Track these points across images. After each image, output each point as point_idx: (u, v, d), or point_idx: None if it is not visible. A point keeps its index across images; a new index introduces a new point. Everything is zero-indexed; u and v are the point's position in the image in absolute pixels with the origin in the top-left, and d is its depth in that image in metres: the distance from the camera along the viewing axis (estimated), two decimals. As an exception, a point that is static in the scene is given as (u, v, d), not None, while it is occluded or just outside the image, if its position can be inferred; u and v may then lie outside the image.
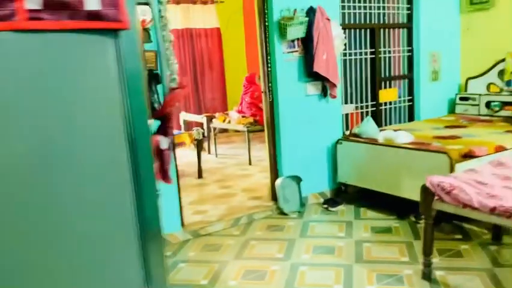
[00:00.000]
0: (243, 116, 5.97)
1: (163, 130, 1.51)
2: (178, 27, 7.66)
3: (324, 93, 4.07)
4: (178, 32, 7.68)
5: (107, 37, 1.18)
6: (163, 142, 1.45)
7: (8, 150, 1.12)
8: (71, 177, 1.20)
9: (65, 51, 1.16)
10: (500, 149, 3.39)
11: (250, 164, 5.74)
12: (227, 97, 8.25)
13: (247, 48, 8.09)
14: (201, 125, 6.54)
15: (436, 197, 2.49)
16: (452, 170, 3.09)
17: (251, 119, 5.80)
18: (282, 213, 3.92)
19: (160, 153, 1.49)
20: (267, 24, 3.77)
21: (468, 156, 3.22)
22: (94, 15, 1.17)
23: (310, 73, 3.88)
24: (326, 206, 4.00)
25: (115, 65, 1.17)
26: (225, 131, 7.34)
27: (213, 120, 6.39)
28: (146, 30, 3.09)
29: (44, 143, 1.16)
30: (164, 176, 1.56)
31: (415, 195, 2.71)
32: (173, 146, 1.52)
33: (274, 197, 4.06)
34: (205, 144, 6.00)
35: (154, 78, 3.27)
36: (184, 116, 6.84)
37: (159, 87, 3.30)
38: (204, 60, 8.02)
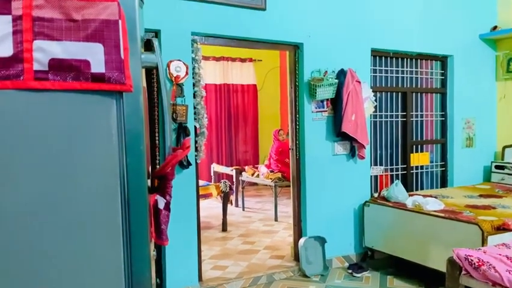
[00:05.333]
0: (271, 171, 5.98)
1: (162, 190, 1.51)
2: (216, 83, 8.00)
3: (352, 153, 4.04)
4: (216, 87, 8.00)
5: (110, 98, 1.24)
6: (160, 202, 1.46)
7: (5, 199, 1.18)
8: (59, 230, 1.22)
9: (68, 109, 1.23)
10: (538, 223, 3.18)
11: (276, 219, 5.66)
12: (259, 151, 8.36)
13: (282, 105, 8.28)
14: (230, 177, 6.60)
15: (464, 272, 2.34)
16: (484, 242, 2.92)
17: (279, 174, 5.79)
18: (304, 275, 3.78)
19: (157, 213, 1.48)
20: (297, 83, 3.87)
21: (502, 228, 3.04)
22: (98, 78, 1.23)
23: (338, 133, 3.89)
24: (350, 271, 3.83)
25: (116, 126, 1.22)
26: (254, 184, 7.35)
27: (242, 173, 6.44)
28: (179, 85, 3.26)
29: (39, 196, 1.20)
30: (160, 237, 1.53)
31: (443, 267, 2.56)
32: (169, 206, 1.52)
33: (297, 257, 3.95)
34: (232, 197, 6.00)
35: (183, 131, 3.40)
36: (215, 168, 6.94)
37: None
38: (239, 114, 8.24)
